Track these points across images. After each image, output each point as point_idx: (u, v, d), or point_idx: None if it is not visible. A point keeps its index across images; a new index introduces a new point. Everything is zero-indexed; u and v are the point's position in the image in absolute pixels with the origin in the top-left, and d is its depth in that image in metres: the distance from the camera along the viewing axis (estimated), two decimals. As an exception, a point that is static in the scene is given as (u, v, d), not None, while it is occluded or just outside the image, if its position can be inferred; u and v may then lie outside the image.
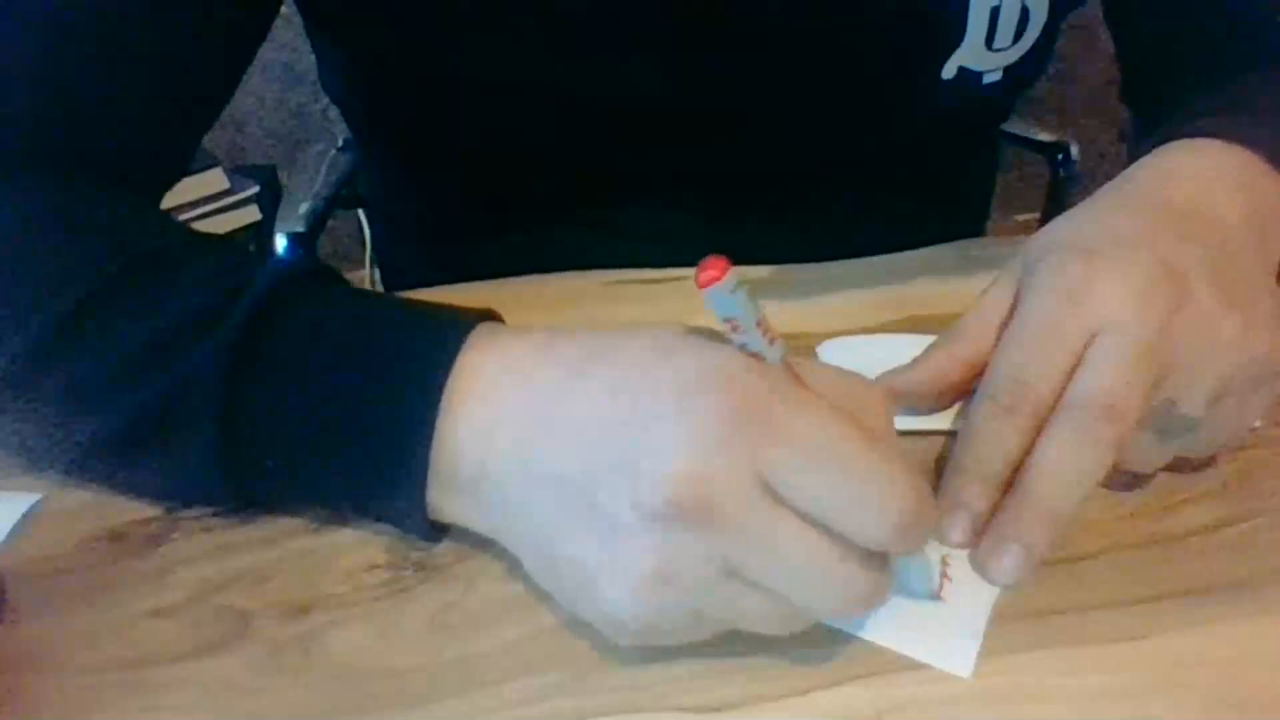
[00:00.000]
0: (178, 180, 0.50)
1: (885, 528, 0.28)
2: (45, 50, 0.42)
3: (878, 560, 0.29)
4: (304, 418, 0.34)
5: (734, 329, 0.29)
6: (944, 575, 0.35)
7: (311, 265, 0.37)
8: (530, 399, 0.32)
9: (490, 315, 0.36)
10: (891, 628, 0.33)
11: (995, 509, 0.35)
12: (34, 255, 0.38)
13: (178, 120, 0.48)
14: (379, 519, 0.36)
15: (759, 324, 0.29)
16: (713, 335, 0.30)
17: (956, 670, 0.31)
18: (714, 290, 0.27)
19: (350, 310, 0.36)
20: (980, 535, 0.34)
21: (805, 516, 0.28)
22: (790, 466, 0.28)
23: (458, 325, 0.34)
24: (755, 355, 0.29)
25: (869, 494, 0.28)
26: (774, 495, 0.28)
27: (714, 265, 0.27)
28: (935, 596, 0.34)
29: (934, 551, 0.35)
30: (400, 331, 0.34)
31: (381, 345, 0.34)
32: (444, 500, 0.33)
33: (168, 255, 0.37)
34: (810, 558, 0.28)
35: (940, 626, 0.33)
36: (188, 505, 0.38)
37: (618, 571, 0.29)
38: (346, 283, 0.38)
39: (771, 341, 0.29)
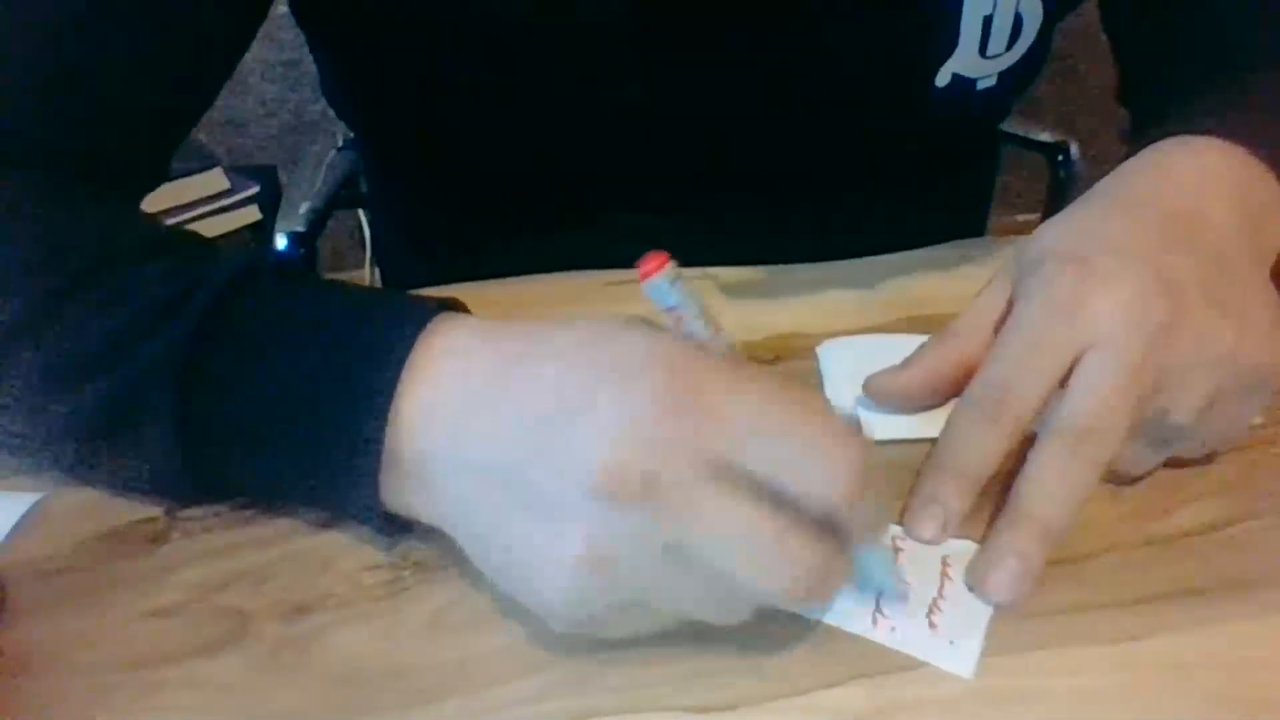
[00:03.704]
0: (160, 181, 0.50)
1: (834, 486, 0.28)
2: (35, 53, 0.43)
3: (828, 538, 0.29)
4: (259, 407, 0.34)
5: (678, 320, 0.29)
6: (944, 575, 0.35)
7: (273, 257, 0.37)
8: (469, 386, 0.32)
9: (454, 305, 0.36)
10: (892, 627, 0.33)
11: (968, 511, 0.35)
12: (10, 244, 0.38)
13: (160, 124, 0.49)
14: (335, 509, 0.36)
15: (702, 314, 0.29)
16: (654, 325, 0.31)
17: (958, 671, 0.32)
18: (653, 282, 0.28)
19: (307, 300, 0.36)
20: (948, 532, 0.35)
21: (750, 490, 0.28)
22: (733, 440, 0.28)
23: (414, 313, 0.34)
24: (700, 344, 0.30)
25: (815, 455, 0.28)
26: (716, 472, 0.28)
27: (652, 259, 0.28)
28: (897, 590, 0.33)
29: (933, 553, 0.35)
30: (356, 321, 0.34)
31: (336, 334, 0.34)
32: (394, 488, 0.33)
33: (136, 251, 0.37)
34: (754, 530, 0.28)
35: (942, 627, 0.33)
36: (160, 498, 0.38)
37: (555, 554, 0.29)
38: (309, 275, 0.38)
39: (716, 331, 0.30)
